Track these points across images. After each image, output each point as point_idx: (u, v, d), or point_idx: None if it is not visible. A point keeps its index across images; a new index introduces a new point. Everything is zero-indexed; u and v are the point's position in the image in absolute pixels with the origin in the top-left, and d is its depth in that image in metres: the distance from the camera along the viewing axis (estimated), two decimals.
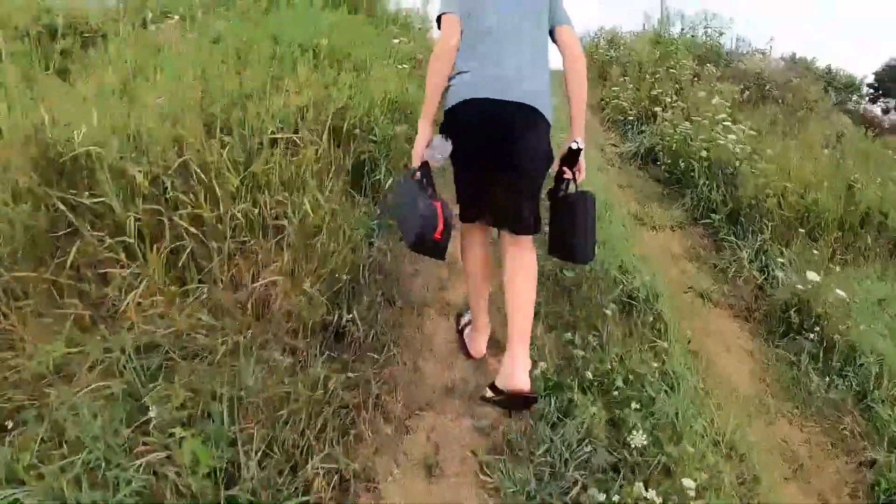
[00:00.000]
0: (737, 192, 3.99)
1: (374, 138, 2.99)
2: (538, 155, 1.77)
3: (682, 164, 4.57)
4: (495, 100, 1.67)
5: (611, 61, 8.03)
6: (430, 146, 1.74)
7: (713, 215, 3.97)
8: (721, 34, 8.73)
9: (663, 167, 4.83)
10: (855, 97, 10.78)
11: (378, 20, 5.62)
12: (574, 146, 1.77)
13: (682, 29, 8.22)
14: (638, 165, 5.19)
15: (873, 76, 14.77)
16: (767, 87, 6.92)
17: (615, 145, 5.68)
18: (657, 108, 5.54)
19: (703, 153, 4.38)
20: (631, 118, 5.82)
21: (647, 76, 6.43)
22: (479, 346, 2.11)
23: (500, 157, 1.72)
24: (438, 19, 1.75)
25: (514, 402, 1.80)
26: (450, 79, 1.74)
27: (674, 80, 6.15)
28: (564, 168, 1.82)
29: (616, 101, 6.18)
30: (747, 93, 5.97)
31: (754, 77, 6.76)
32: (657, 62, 6.90)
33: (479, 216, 1.89)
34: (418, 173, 1.74)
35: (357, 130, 2.86)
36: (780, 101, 6.72)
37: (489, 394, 1.84)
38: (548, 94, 1.77)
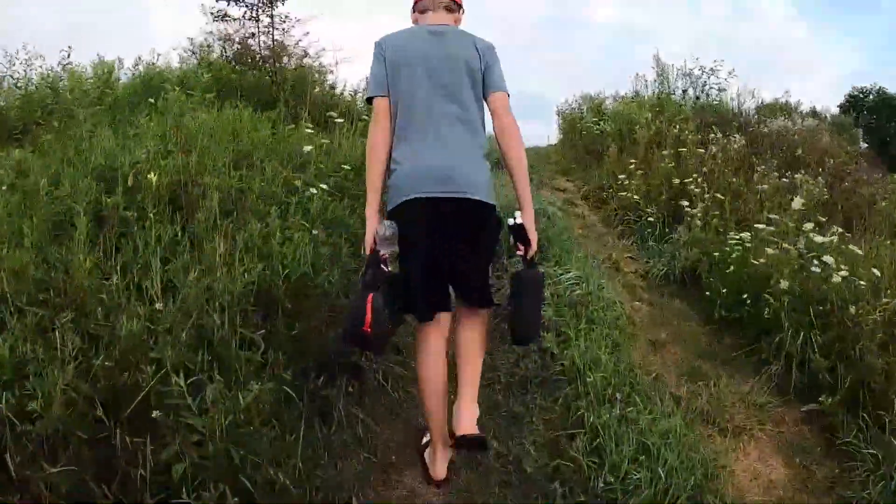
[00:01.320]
0: (848, 351, 2.41)
1: None
2: (488, 242, 1.78)
3: (748, 297, 2.99)
4: (435, 199, 1.63)
5: (602, 136, 6.69)
6: (378, 235, 1.68)
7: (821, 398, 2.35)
8: (721, 90, 7.56)
9: (717, 300, 3.20)
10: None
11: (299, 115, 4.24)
12: (511, 221, 1.72)
13: (685, 90, 6.97)
14: (673, 292, 3.60)
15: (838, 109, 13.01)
16: (800, 154, 5.54)
17: (633, 258, 4.12)
18: (684, 203, 4.05)
19: (783, 284, 2.80)
20: (650, 218, 4.30)
21: (657, 153, 5.02)
22: (438, 468, 1.84)
23: (450, 250, 1.68)
24: (369, 101, 1.73)
25: (466, 444, 1.74)
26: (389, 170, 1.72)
27: (698, 159, 4.70)
28: (518, 245, 1.77)
29: (624, 194, 4.71)
30: (799, 175, 4.46)
31: (788, 145, 5.38)
32: (662, 134, 5.54)
33: (438, 302, 1.75)
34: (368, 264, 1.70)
35: None
36: (821, 171, 5.31)
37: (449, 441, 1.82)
38: (485, 174, 1.72)
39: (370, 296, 1.60)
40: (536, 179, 6.26)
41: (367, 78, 2.29)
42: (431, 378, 1.74)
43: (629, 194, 4.63)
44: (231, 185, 2.37)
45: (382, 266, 1.67)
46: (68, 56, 5.16)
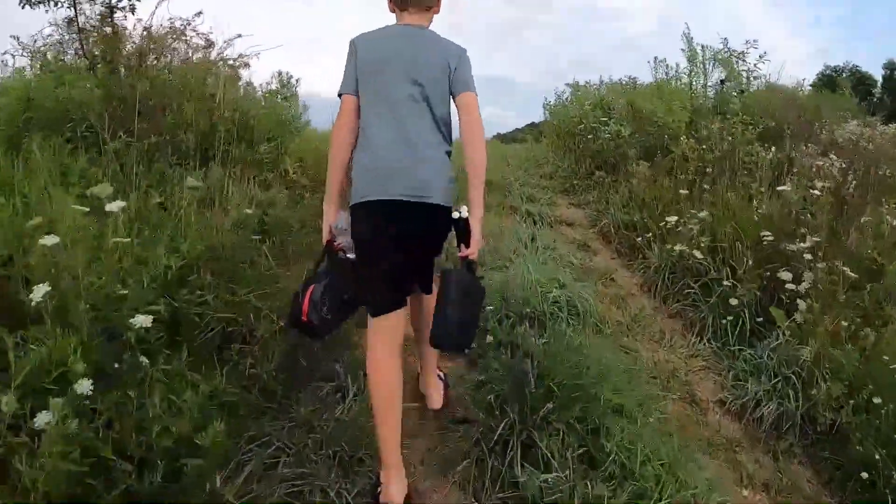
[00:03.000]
0: None
1: None
2: (440, 242, 1.74)
3: None
4: (387, 202, 1.58)
5: (616, 142, 5.01)
6: (334, 227, 1.70)
7: None
8: (755, 78, 5.96)
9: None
10: None
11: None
12: (456, 215, 1.62)
13: (724, 80, 5.26)
14: (787, 449, 1.99)
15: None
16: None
17: (709, 367, 2.47)
18: (785, 279, 2.42)
19: None
20: (732, 300, 2.62)
21: (722, 182, 3.35)
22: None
23: (405, 255, 1.65)
24: (340, 96, 1.70)
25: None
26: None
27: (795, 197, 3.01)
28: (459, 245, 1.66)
29: (677, 248, 3.02)
30: None
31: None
32: (714, 145, 3.88)
33: (392, 301, 1.67)
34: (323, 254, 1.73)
35: None
36: None
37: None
38: (444, 176, 1.64)
39: (311, 287, 1.64)
40: (525, 198, 4.57)
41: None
42: (382, 383, 1.64)
43: (685, 247, 2.96)
44: None
45: (339, 254, 1.69)
46: None
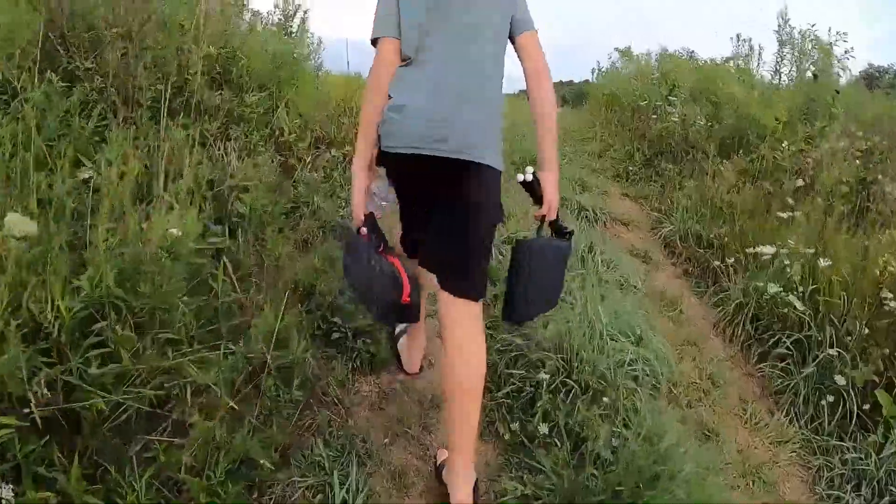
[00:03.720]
0: None
1: None
2: (481, 210, 1.41)
3: None
4: (424, 157, 1.35)
5: (683, 127, 4.26)
6: (370, 194, 1.48)
7: None
8: (845, 69, 5.09)
9: None
10: None
11: None
12: (520, 178, 1.43)
13: (816, 73, 4.42)
14: None
15: None
16: None
17: (797, 462, 1.96)
18: None
19: None
20: (842, 377, 2.05)
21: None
22: (414, 360, 1.88)
23: (441, 206, 1.42)
24: (373, 42, 1.45)
25: None
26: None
27: None
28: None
29: (773, 290, 2.40)
30: None
31: None
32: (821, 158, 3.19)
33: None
34: (363, 229, 1.45)
35: None
36: None
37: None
38: (493, 131, 1.44)
39: (397, 261, 1.40)
40: (576, 183, 3.94)
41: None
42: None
43: (780, 289, 2.38)
44: None
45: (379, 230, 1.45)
46: None
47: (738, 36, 5.59)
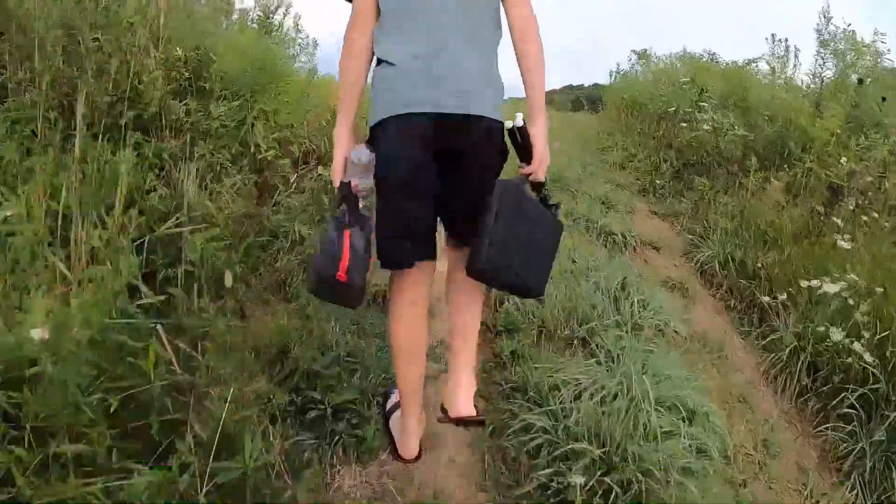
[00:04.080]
0: None
1: None
2: (487, 167, 1.35)
3: None
4: (423, 115, 1.25)
5: (724, 140, 3.92)
6: (351, 161, 1.35)
7: None
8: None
9: None
10: None
11: None
12: (509, 124, 1.33)
13: (862, 80, 4.03)
14: None
15: None
16: None
17: None
18: None
19: None
20: None
21: None
22: (410, 445, 1.54)
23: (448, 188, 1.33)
24: None
25: (462, 424, 1.50)
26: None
27: None
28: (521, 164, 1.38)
29: (836, 337, 2.09)
30: None
31: None
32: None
33: (422, 248, 1.36)
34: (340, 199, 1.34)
35: None
36: None
37: (440, 414, 1.53)
38: (495, 84, 1.36)
39: (347, 232, 1.27)
40: (599, 201, 3.64)
41: None
42: (405, 335, 1.42)
43: (843, 338, 2.07)
44: None
45: (357, 200, 1.32)
46: None
47: (772, 36, 5.19)
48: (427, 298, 1.44)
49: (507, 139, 1.35)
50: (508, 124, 1.34)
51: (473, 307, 1.48)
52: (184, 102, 2.16)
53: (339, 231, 1.26)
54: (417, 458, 1.54)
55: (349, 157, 1.34)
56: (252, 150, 2.36)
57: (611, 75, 9.00)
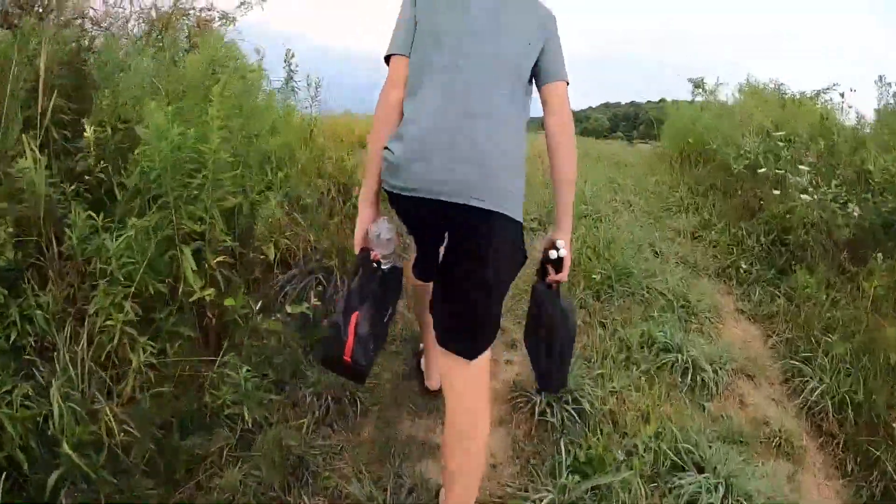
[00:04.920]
0: None
1: None
2: (499, 262, 1.32)
3: None
4: (429, 201, 1.24)
5: (834, 218, 3.24)
6: (371, 235, 1.39)
7: None
8: None
9: None
10: None
11: None
12: (554, 255, 1.40)
13: None
14: None
15: None
16: None
17: None
18: None
19: None
20: None
21: None
22: (435, 376, 1.93)
23: (456, 257, 1.35)
24: (386, 60, 1.39)
25: None
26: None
27: None
28: (548, 268, 1.45)
29: None
30: None
31: None
32: None
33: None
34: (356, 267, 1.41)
35: None
36: None
37: None
38: (514, 177, 1.31)
39: (354, 315, 1.31)
40: (678, 294, 3.04)
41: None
42: (423, 290, 1.66)
43: None
44: None
45: (376, 265, 1.38)
46: None
47: (881, 77, 4.38)
48: None
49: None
50: (552, 254, 1.40)
51: (466, 443, 1.37)
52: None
53: (346, 315, 1.29)
54: (440, 390, 1.74)
55: (369, 232, 1.37)
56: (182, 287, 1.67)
57: (661, 103, 8.28)
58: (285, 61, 2.72)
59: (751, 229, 3.84)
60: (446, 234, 1.32)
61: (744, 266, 3.52)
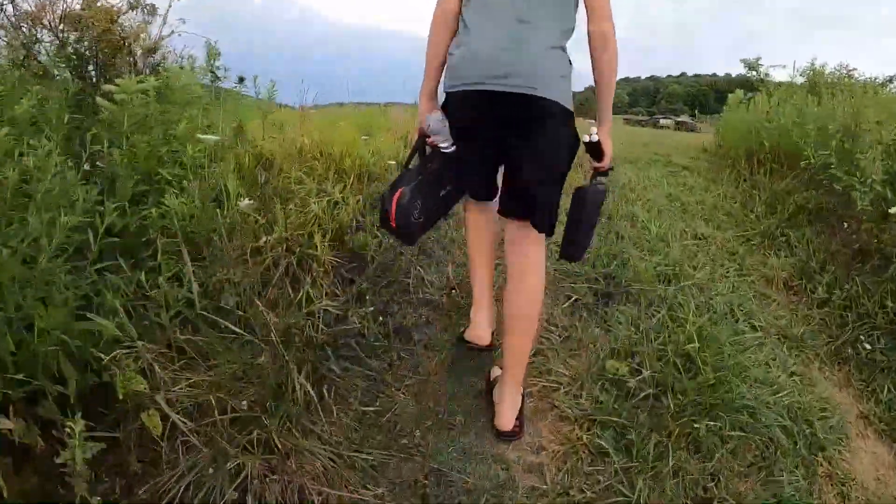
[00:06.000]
0: None
1: None
2: (553, 148, 1.56)
3: None
4: (490, 92, 1.48)
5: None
6: (426, 125, 1.65)
7: None
8: None
9: None
10: None
11: None
12: (586, 139, 1.64)
13: None
14: None
15: None
16: None
17: None
18: None
19: None
20: None
21: None
22: (478, 327, 1.94)
23: (508, 148, 1.60)
24: None
25: (499, 438, 1.69)
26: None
27: None
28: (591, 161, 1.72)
29: None
30: None
31: None
32: None
33: (482, 194, 1.82)
34: (413, 150, 1.72)
35: None
36: None
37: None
38: (562, 74, 1.53)
39: (398, 191, 1.59)
40: (745, 379, 2.20)
41: None
42: (475, 254, 1.88)
43: None
44: None
45: (428, 153, 1.68)
46: None
47: None
48: (494, 220, 1.82)
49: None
50: (585, 138, 1.62)
51: (524, 324, 1.63)
52: None
53: (392, 190, 1.59)
54: (489, 346, 1.98)
55: (427, 119, 1.62)
56: None
57: (682, 77, 7.15)
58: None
59: (868, 283, 2.92)
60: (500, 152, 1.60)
61: (866, 344, 2.63)
